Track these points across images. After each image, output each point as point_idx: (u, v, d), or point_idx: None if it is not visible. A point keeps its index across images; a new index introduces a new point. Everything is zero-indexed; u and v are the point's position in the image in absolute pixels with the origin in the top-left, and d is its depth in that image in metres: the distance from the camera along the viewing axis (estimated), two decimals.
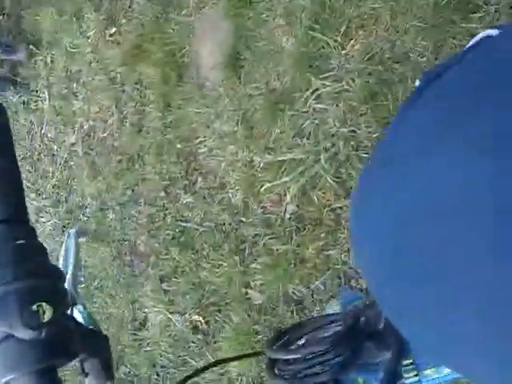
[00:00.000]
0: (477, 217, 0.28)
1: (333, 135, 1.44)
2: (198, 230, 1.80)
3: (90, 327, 0.55)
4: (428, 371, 0.62)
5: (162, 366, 1.83)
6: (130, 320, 1.97)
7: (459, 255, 0.29)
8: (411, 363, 0.59)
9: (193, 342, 1.76)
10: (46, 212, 2.39)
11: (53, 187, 2.38)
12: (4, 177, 0.46)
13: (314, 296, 1.49)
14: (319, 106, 1.49)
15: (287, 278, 1.54)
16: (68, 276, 0.59)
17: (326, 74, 1.48)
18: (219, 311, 1.71)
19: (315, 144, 1.49)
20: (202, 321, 1.75)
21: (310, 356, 0.54)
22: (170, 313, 1.83)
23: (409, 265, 0.33)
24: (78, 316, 0.56)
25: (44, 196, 2.42)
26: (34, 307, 0.41)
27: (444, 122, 0.32)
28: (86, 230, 0.57)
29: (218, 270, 1.72)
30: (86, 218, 2.20)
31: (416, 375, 0.63)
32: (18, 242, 0.43)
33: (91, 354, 0.50)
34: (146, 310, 1.92)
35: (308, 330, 0.60)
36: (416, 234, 0.32)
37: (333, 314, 0.61)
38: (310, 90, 1.50)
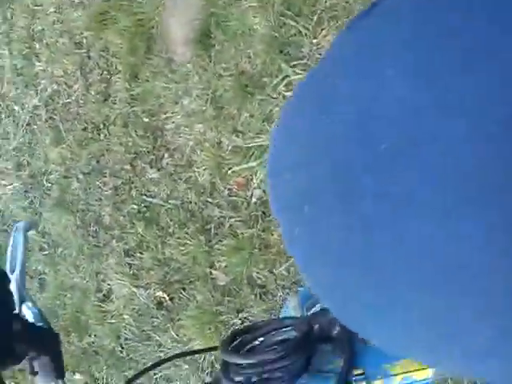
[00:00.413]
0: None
1: None
2: (163, 206, 1.80)
3: (40, 324, 0.55)
4: (378, 382, 0.66)
5: (126, 339, 1.88)
6: (94, 291, 1.99)
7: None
8: (363, 373, 0.63)
9: (156, 318, 1.80)
10: (7, 175, 2.35)
11: (13, 150, 2.33)
12: None
13: (278, 281, 1.53)
14: (289, 93, 1.48)
15: (252, 261, 1.58)
16: (15, 273, 0.58)
17: (297, 62, 1.47)
18: (183, 289, 1.74)
19: None
20: (167, 297, 1.78)
21: (264, 362, 0.56)
22: (135, 287, 1.86)
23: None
24: (28, 313, 0.56)
25: (5, 158, 2.37)
26: None
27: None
28: (35, 222, 0.56)
29: (183, 248, 1.75)
30: (49, 185, 2.18)
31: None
32: None
33: (40, 352, 0.51)
34: (110, 282, 1.94)
35: (263, 332, 0.62)
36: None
37: (288, 318, 0.64)
38: (280, 77, 1.49)
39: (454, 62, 0.24)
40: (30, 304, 0.57)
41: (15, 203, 2.30)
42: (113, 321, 1.93)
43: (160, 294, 1.79)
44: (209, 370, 1.63)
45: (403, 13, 0.28)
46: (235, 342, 0.61)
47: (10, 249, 0.61)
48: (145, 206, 1.87)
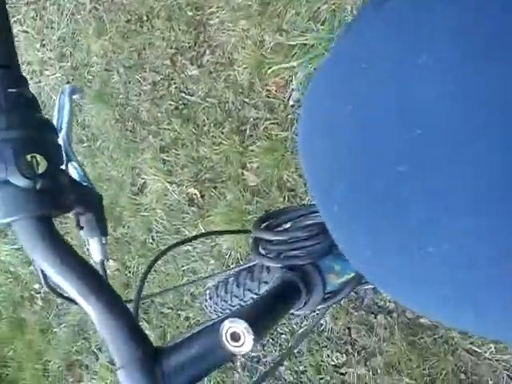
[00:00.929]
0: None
1: None
2: (201, 104, 1.82)
3: (85, 184, 0.59)
4: None
5: (157, 232, 1.97)
6: (129, 184, 2.07)
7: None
8: None
9: (187, 213, 1.87)
10: (50, 65, 2.38)
11: (58, 39, 2.35)
12: None
13: (307, 185, 1.55)
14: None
15: (283, 164, 1.60)
16: (62, 132, 0.62)
17: None
18: (215, 188, 1.79)
19: (329, 31, 1.45)
20: (198, 194, 1.84)
21: (294, 240, 0.59)
22: (168, 182, 1.92)
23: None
24: (73, 172, 0.60)
25: (48, 48, 2.39)
26: (29, 158, 0.42)
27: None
28: (81, 90, 0.57)
29: (217, 148, 1.77)
30: (90, 77, 2.21)
31: None
32: (10, 90, 0.43)
33: (85, 209, 0.56)
34: (145, 176, 2.00)
35: (294, 216, 0.65)
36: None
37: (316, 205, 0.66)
38: None
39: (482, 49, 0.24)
40: (75, 164, 0.61)
41: (57, 94, 2.35)
42: (145, 214, 2.01)
43: (192, 190, 1.85)
44: (234, 266, 1.70)
45: None
46: (266, 223, 0.64)
47: (56, 110, 0.63)
48: (182, 103, 1.88)
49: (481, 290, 0.28)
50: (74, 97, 0.66)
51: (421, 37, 0.27)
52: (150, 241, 1.99)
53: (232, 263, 1.72)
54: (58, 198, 0.46)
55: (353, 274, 0.63)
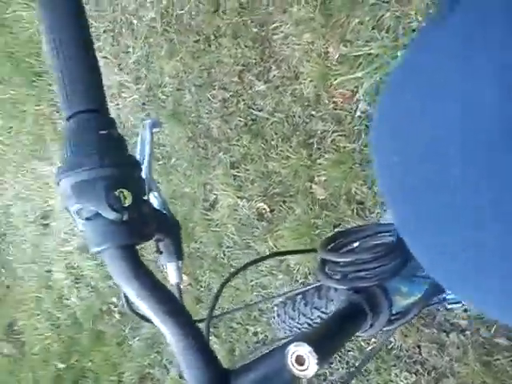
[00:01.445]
0: None
1: (413, 30, 1.38)
2: (269, 119, 1.84)
3: (164, 212, 0.63)
4: None
5: (228, 247, 2.00)
6: (202, 200, 2.13)
7: None
8: None
9: (257, 228, 1.89)
10: (127, 88, 2.51)
11: (133, 63, 2.48)
12: (86, 66, 0.48)
13: (376, 198, 1.53)
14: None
15: (351, 176, 1.58)
16: (144, 164, 0.66)
17: None
18: (284, 202, 1.80)
19: (393, 39, 1.43)
20: (267, 209, 1.86)
21: (360, 261, 0.59)
22: (238, 198, 1.96)
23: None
24: (154, 201, 0.65)
25: (126, 71, 2.52)
26: (117, 193, 0.47)
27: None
28: (159, 122, 0.61)
29: (285, 162, 1.79)
30: (164, 97, 2.30)
31: None
32: (102, 132, 0.48)
33: (165, 236, 0.60)
34: (217, 192, 2.05)
35: (361, 236, 0.65)
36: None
37: (387, 224, 0.66)
38: None
39: None
40: (156, 194, 0.65)
41: (134, 115, 2.47)
42: (217, 229, 2.06)
43: (261, 205, 1.87)
44: (302, 280, 1.70)
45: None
46: (333, 244, 0.65)
47: (138, 144, 0.67)
48: (251, 119, 1.92)
49: None
50: (155, 130, 0.70)
51: (488, 49, 0.27)
52: (221, 256, 2.03)
53: (300, 278, 1.72)
54: (141, 228, 0.50)
55: (420, 296, 0.62)
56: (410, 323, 1.45)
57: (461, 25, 0.31)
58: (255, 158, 1.90)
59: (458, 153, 0.28)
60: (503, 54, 0.26)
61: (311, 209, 1.70)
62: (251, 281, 1.89)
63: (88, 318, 2.75)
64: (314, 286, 0.94)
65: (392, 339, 1.49)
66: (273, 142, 1.83)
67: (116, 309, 2.59)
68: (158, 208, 0.64)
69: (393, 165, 0.36)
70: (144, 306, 0.47)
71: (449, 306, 0.71)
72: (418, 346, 1.44)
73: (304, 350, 0.41)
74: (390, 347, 1.49)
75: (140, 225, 0.50)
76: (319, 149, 1.69)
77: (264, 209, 1.87)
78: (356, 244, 0.65)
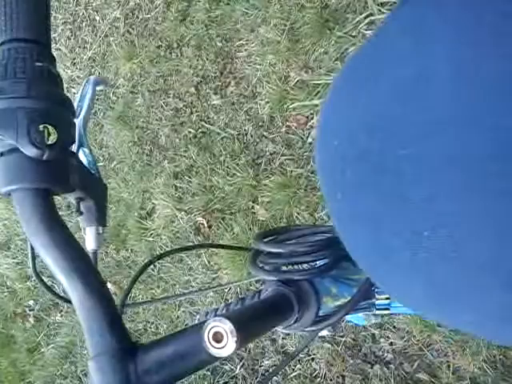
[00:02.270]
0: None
1: None
2: (219, 134, 1.84)
3: (92, 172, 0.59)
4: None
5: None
6: (138, 207, 2.08)
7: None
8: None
9: (192, 243, 1.86)
10: (77, 84, 2.46)
11: (88, 59, 2.43)
12: None
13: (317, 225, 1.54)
14: (369, 32, 1.46)
15: (295, 201, 1.59)
16: (79, 118, 0.63)
17: (385, 0, 1.44)
18: (223, 219, 1.79)
19: None
20: (205, 224, 1.84)
21: (293, 254, 0.57)
22: (177, 209, 1.93)
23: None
24: (83, 158, 0.61)
25: (79, 67, 2.47)
26: (41, 127, 0.43)
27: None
28: (105, 80, 0.59)
29: (230, 179, 1.78)
30: (115, 98, 2.27)
31: (387, 298, 0.69)
32: (38, 63, 0.44)
33: (88, 195, 0.55)
34: (155, 201, 2.02)
35: (299, 234, 0.64)
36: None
37: (327, 226, 0.64)
38: (364, 14, 1.47)
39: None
40: (87, 151, 0.61)
41: None
42: (150, 239, 2.01)
43: (200, 219, 1.85)
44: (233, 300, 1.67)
45: None
46: (269, 238, 0.63)
47: (78, 97, 0.65)
48: (202, 132, 1.91)
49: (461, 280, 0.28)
50: (98, 88, 0.67)
51: (437, 25, 0.28)
52: (151, 267, 1.98)
53: (231, 297, 1.70)
54: (61, 174, 0.47)
55: (349, 298, 0.61)
56: (336, 352, 1.46)
57: (410, 15, 0.31)
58: (200, 171, 1.88)
59: (396, 145, 0.28)
60: (455, 37, 0.27)
61: (250, 229, 1.69)
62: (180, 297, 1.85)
63: None
64: (238, 298, 0.93)
65: (317, 366, 1.49)
66: (221, 158, 1.82)
67: (31, 312, 2.46)
68: (86, 165, 0.59)
69: (333, 159, 0.36)
70: (50, 261, 0.43)
71: (376, 312, 0.71)
72: (342, 376, 1.44)
73: (224, 326, 0.38)
74: (314, 375, 1.49)
75: (61, 170, 0.46)
76: (266, 170, 1.70)
77: (202, 223, 1.85)
78: (292, 241, 0.64)
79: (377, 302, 0.70)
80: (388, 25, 0.34)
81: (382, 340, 1.45)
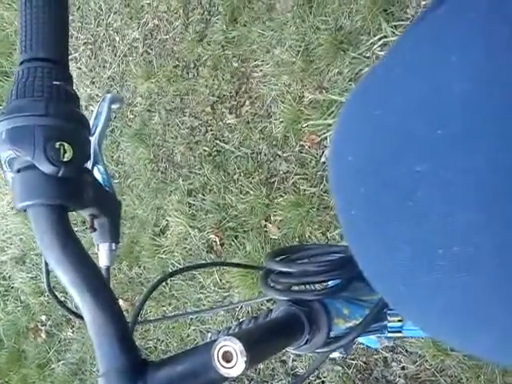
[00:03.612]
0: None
1: None
2: (234, 153, 1.87)
3: (107, 189, 0.59)
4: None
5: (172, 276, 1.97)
6: (152, 224, 2.10)
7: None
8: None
9: (205, 260, 1.87)
10: (96, 102, 2.51)
11: (108, 78, 2.49)
12: (53, 15, 0.47)
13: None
14: (383, 53, 1.48)
15: (307, 220, 1.60)
16: (95, 135, 0.63)
17: (398, 23, 1.46)
18: (236, 237, 1.80)
19: None
20: (218, 242, 1.85)
21: (305, 274, 0.57)
22: (190, 227, 1.95)
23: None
24: (98, 175, 0.61)
25: (97, 85, 2.53)
26: (57, 145, 0.44)
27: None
28: (121, 98, 0.60)
29: (243, 197, 1.80)
30: (132, 116, 2.31)
31: (399, 321, 0.68)
32: (55, 82, 0.46)
33: (102, 212, 0.56)
34: (169, 218, 2.04)
35: (310, 254, 0.63)
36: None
37: (338, 245, 0.65)
38: (378, 36, 1.49)
39: None
40: (101, 168, 0.62)
41: None
42: (163, 256, 2.02)
43: (213, 237, 1.86)
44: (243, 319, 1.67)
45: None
46: (281, 257, 0.63)
47: (94, 115, 0.66)
48: (216, 150, 1.94)
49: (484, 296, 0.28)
50: (114, 106, 0.68)
51: (452, 39, 0.28)
52: (164, 284, 1.99)
53: (242, 316, 1.70)
54: (76, 190, 0.48)
55: (360, 319, 0.61)
56: (346, 375, 1.45)
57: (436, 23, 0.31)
58: (214, 189, 1.90)
59: (411, 161, 0.28)
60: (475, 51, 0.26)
61: (262, 247, 1.70)
62: (191, 315, 1.86)
63: (11, 334, 2.61)
64: (251, 317, 0.93)
65: None
66: (234, 176, 1.85)
67: (43, 328, 2.47)
68: (100, 182, 0.60)
69: (347, 175, 0.36)
70: (63, 276, 0.44)
71: (389, 335, 0.71)
72: None
73: (234, 346, 0.38)
74: None
75: (75, 187, 0.47)
76: (279, 188, 1.71)
77: (215, 241, 1.86)
78: (304, 261, 0.64)
79: (389, 325, 0.70)
80: (403, 41, 0.35)
81: (393, 364, 1.43)
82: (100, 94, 2.50)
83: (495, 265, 0.26)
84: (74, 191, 0.47)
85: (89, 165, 0.60)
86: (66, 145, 0.45)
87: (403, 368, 1.41)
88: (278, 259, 0.62)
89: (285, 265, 0.59)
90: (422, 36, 0.31)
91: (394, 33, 1.47)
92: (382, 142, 0.31)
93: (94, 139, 0.64)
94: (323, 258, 0.62)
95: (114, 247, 0.61)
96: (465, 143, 0.26)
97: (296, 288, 0.58)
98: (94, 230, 0.58)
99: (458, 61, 0.27)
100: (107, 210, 0.57)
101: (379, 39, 1.50)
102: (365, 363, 1.44)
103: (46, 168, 0.44)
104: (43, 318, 2.48)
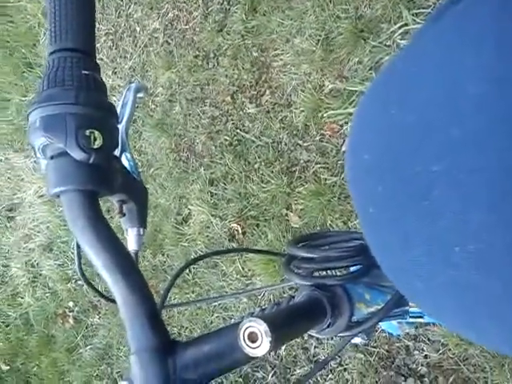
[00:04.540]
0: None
1: None
2: (254, 142, 1.87)
3: (134, 176, 0.61)
4: None
5: (195, 264, 1.99)
6: (175, 213, 2.12)
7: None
8: None
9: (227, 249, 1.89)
10: (118, 92, 2.53)
11: (129, 69, 2.50)
12: (81, 6, 0.48)
13: None
14: (404, 42, 1.46)
15: (328, 209, 1.61)
16: (122, 124, 0.65)
17: (420, 10, 1.44)
18: (257, 225, 1.81)
19: None
20: (240, 230, 1.86)
21: (326, 259, 0.58)
22: (212, 215, 1.96)
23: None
24: (125, 163, 0.63)
25: (119, 76, 2.54)
26: (88, 132, 0.45)
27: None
28: (145, 87, 0.61)
29: (264, 186, 1.81)
30: (153, 106, 2.32)
31: None
32: (84, 72, 0.47)
33: (130, 198, 0.58)
34: (191, 207, 2.05)
35: (331, 241, 0.64)
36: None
37: (358, 232, 0.65)
38: (399, 24, 1.47)
39: None
40: (129, 156, 0.64)
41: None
42: (186, 244, 2.05)
43: (234, 225, 1.88)
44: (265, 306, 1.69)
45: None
46: (303, 243, 0.64)
47: (120, 104, 0.67)
48: (237, 140, 1.94)
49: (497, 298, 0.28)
50: (139, 95, 0.70)
51: (467, 37, 0.28)
52: (187, 272, 2.02)
53: (264, 304, 1.71)
54: (107, 177, 0.49)
55: (382, 305, 0.62)
56: (369, 363, 1.46)
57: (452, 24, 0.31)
58: (235, 178, 1.91)
59: (428, 160, 0.28)
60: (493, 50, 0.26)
61: (284, 236, 1.71)
62: (214, 302, 1.88)
63: (40, 320, 2.68)
64: (274, 302, 0.94)
65: (349, 377, 1.49)
66: (255, 165, 1.85)
67: (71, 314, 2.53)
68: (128, 169, 0.62)
69: (364, 173, 0.36)
70: (95, 259, 0.45)
71: (410, 320, 0.71)
72: None
73: (259, 326, 0.40)
74: None
75: (106, 173, 0.49)
76: (300, 177, 1.71)
77: (236, 230, 1.87)
78: (326, 247, 0.64)
79: (410, 310, 0.70)
80: (422, 35, 0.35)
81: (416, 352, 1.44)
82: (122, 85, 2.52)
83: (506, 263, 0.26)
84: (104, 177, 0.49)
85: (117, 152, 0.61)
86: (96, 132, 0.46)
87: (426, 356, 1.41)
88: (299, 245, 0.63)
89: (307, 250, 0.60)
90: (441, 33, 0.31)
91: (415, 21, 1.45)
92: (399, 140, 0.32)
93: (121, 127, 0.66)
94: (344, 245, 0.63)
95: (142, 232, 0.63)
96: (477, 143, 0.26)
97: (318, 274, 0.59)
98: (123, 215, 0.60)
99: (472, 60, 0.27)
100: (135, 196, 0.59)
101: (400, 27, 1.48)
102: (387, 351, 1.45)
103: (78, 155, 0.45)
104: (70, 304, 2.54)
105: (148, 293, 0.46)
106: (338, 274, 0.59)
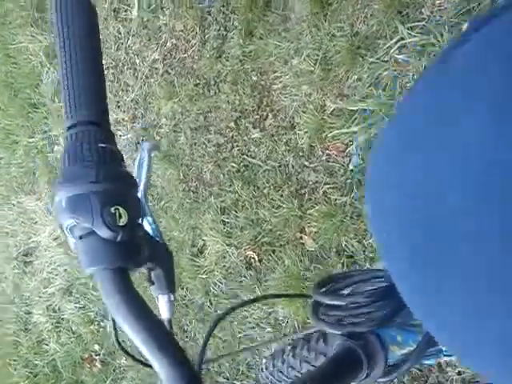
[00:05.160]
0: None
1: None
2: (261, 167, 1.93)
3: (157, 239, 0.64)
4: None
5: (215, 295, 2.05)
6: (190, 245, 2.19)
7: None
8: None
9: (245, 277, 1.95)
10: (123, 126, 2.62)
11: (131, 101, 2.59)
12: (93, 80, 0.51)
13: (366, 253, 1.59)
14: (401, 57, 1.52)
15: (342, 229, 1.65)
16: (140, 187, 0.68)
17: (414, 24, 1.49)
18: (273, 252, 1.86)
19: (390, 97, 1.53)
20: (256, 258, 1.92)
21: (354, 305, 0.60)
22: (227, 245, 2.02)
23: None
24: (148, 227, 0.66)
25: (122, 109, 2.63)
26: (113, 210, 0.48)
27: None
28: (158, 145, 0.64)
29: (276, 211, 1.86)
30: (159, 138, 2.40)
31: None
32: (101, 145, 0.49)
33: (157, 265, 0.60)
34: (205, 237, 2.12)
35: (354, 281, 0.66)
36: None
37: (381, 270, 0.66)
38: (395, 39, 1.53)
39: None
40: (150, 219, 0.67)
41: (127, 154, 2.56)
42: (204, 276, 2.11)
43: (250, 253, 1.93)
44: (290, 333, 1.74)
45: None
46: (327, 287, 0.66)
47: (136, 166, 0.70)
48: (244, 166, 2.01)
49: None
50: (153, 154, 0.72)
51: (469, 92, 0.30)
52: (208, 304, 2.08)
53: (289, 331, 1.76)
54: (134, 252, 0.52)
55: (415, 346, 0.63)
56: (402, 382, 1.49)
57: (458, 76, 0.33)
58: (246, 205, 1.97)
59: (457, 200, 0.29)
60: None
61: (301, 260, 1.76)
62: (238, 333, 1.93)
63: (68, 366, 2.75)
64: (304, 335, 0.97)
65: None
66: (264, 190, 1.91)
67: (97, 357, 2.60)
68: (151, 235, 0.65)
69: (387, 208, 0.38)
70: (131, 332, 0.47)
71: (444, 358, 0.74)
72: None
73: None
74: None
75: (133, 248, 0.51)
76: (310, 199, 1.76)
77: (253, 257, 1.93)
78: (350, 289, 0.67)
79: (444, 348, 0.71)
80: (437, 74, 0.36)
81: (449, 369, 1.46)
82: (126, 118, 2.60)
83: None
84: (132, 253, 0.52)
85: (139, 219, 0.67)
86: (120, 209, 0.49)
87: (459, 373, 1.44)
88: (324, 289, 0.65)
89: (333, 298, 0.63)
90: (445, 82, 0.34)
91: (410, 34, 1.50)
92: (420, 184, 0.33)
93: (140, 191, 0.69)
94: (369, 286, 0.65)
95: (172, 297, 0.65)
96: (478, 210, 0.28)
97: (347, 321, 0.61)
98: (152, 283, 0.63)
99: (467, 123, 0.29)
100: (161, 262, 0.61)
101: (396, 42, 1.53)
102: (419, 370, 1.48)
103: (105, 233, 0.48)
104: (96, 347, 2.61)
105: (184, 359, 0.48)
106: (367, 319, 0.60)
